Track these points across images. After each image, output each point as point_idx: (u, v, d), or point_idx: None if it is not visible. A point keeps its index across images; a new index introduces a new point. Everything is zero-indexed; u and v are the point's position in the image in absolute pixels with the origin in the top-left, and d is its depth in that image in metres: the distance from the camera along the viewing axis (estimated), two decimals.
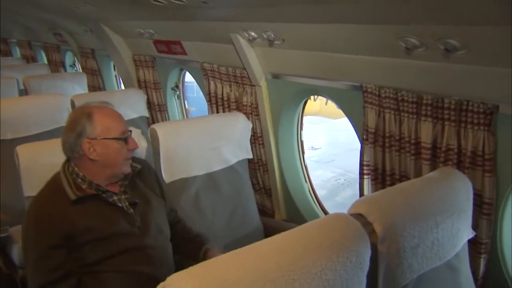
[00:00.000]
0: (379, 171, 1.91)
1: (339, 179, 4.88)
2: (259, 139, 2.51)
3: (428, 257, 1.31)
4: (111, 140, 1.57)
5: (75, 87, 4.02)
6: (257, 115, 2.47)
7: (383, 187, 1.92)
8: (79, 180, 1.57)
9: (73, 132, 1.55)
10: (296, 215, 2.55)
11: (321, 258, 1.01)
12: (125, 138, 1.60)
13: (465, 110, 1.55)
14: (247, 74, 2.40)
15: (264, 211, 2.67)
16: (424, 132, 1.69)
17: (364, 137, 1.93)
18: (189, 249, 1.83)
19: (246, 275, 0.92)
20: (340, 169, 5.18)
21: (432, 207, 1.33)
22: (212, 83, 2.73)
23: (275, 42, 2.05)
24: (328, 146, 6.28)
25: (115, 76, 4.39)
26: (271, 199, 2.65)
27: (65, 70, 5.27)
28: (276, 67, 2.28)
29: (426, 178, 1.49)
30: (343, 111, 2.10)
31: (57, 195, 1.55)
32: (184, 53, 2.86)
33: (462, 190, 1.45)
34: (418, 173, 1.76)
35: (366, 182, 2.00)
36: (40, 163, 1.88)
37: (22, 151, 1.86)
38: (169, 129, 2.17)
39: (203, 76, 2.78)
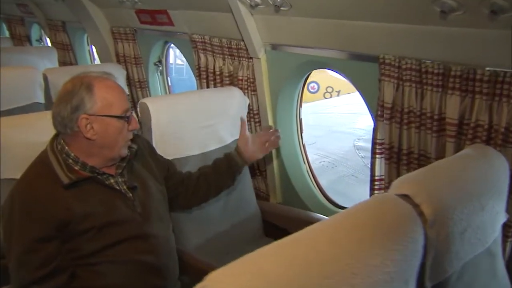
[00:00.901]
0: (395, 149, 1.77)
1: (323, 161, 4.77)
2: (256, 116, 2.33)
3: (472, 243, 1.17)
4: (112, 118, 1.37)
5: (45, 63, 3.68)
6: (254, 90, 2.28)
7: (399, 167, 1.79)
8: (70, 160, 1.36)
9: (68, 105, 1.34)
10: (293, 198, 2.40)
11: (379, 247, 0.86)
12: (127, 117, 1.40)
13: (501, 82, 1.41)
14: (245, 46, 2.20)
15: (258, 195, 2.50)
16: (450, 107, 1.54)
17: (379, 113, 1.77)
18: (221, 168, 1.83)
19: (300, 271, 0.75)
20: (322, 151, 5.07)
21: (477, 187, 1.19)
22: (202, 56, 2.51)
23: (282, 8, 1.85)
24: (308, 129, 6.15)
25: (88, 51, 4.07)
26: (265, 181, 2.48)
27: (31, 45, 4.88)
28: (277, 37, 2.09)
29: (461, 156, 1.35)
30: (353, 85, 1.94)
31: (46, 177, 1.34)
32: (171, 23, 2.63)
33: (501, 169, 1.32)
34: (441, 152, 1.62)
35: (378, 162, 1.85)
36: (17, 141, 1.63)
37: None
38: (161, 104, 1.95)
39: (192, 49, 2.56)
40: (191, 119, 2.03)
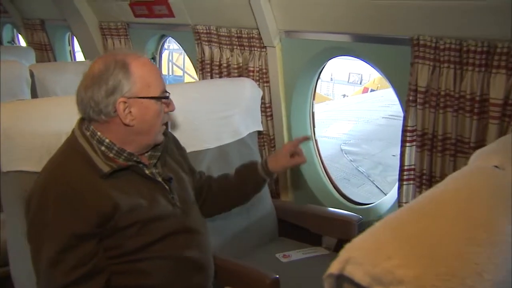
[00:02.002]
0: (428, 136, 1.69)
1: None
2: (268, 110, 2.21)
3: None
4: (151, 100, 1.23)
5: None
6: (267, 82, 2.16)
7: (432, 155, 1.71)
8: (103, 147, 1.20)
9: (102, 87, 1.18)
10: (306, 195, 2.28)
11: (506, 217, 0.75)
12: (166, 98, 1.27)
13: None
14: (258, 34, 2.09)
15: None
16: (495, 87, 1.48)
17: (411, 98, 1.69)
18: (244, 176, 1.60)
19: (450, 236, 0.63)
20: None
21: None
22: (206, 48, 2.38)
23: None
24: None
25: (70, 51, 3.85)
26: (275, 178, 2.36)
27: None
28: (294, 23, 1.99)
29: None
30: (379, 70, 1.85)
31: (82, 166, 1.17)
32: (171, 15, 2.48)
33: None
34: (481, 135, 1.56)
35: (409, 151, 1.77)
36: (20, 129, 1.44)
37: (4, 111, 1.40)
38: (175, 91, 1.79)
39: (195, 41, 2.42)
40: (205, 110, 1.90)
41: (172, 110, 1.32)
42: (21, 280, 1.47)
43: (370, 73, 14.35)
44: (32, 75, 2.54)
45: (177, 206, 1.31)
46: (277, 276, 1.47)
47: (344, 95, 15.01)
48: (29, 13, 3.77)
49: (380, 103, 8.26)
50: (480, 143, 1.57)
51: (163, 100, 1.27)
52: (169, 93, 1.30)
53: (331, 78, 15.83)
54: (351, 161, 4.74)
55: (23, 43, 4.27)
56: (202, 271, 1.32)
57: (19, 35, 4.39)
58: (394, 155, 4.85)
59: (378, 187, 4.03)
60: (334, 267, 0.58)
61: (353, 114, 7.28)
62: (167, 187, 1.30)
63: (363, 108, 8.04)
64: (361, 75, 15.30)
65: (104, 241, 1.16)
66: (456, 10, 1.49)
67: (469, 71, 1.53)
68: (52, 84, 2.56)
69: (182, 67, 9.88)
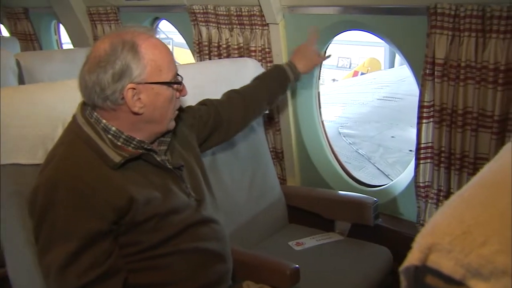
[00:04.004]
0: (447, 111, 1.59)
1: None
2: None
3: None
4: (162, 86, 1.11)
5: None
6: (270, 62, 2.05)
7: (451, 130, 1.61)
8: (110, 135, 1.09)
9: (109, 71, 1.05)
10: (314, 179, 2.18)
11: None
12: (179, 83, 1.16)
13: None
14: (259, 11, 1.97)
15: None
16: None
17: (427, 72, 1.59)
18: (272, 83, 1.73)
19: None
20: None
21: None
22: (203, 29, 2.25)
23: None
24: None
25: (56, 40, 3.68)
26: (281, 164, 2.26)
27: None
28: None
29: None
30: (391, 44, 1.75)
31: (91, 156, 1.06)
32: None
33: None
34: (506, 107, 1.47)
35: (425, 128, 1.67)
36: (14, 117, 1.30)
37: None
38: (185, 71, 1.68)
39: (191, 22, 2.29)
40: (208, 91, 1.78)
41: (185, 95, 1.21)
42: (19, 281, 1.36)
43: (359, 57, 14.24)
44: (18, 64, 2.38)
45: (192, 195, 1.21)
46: (297, 266, 1.38)
47: (334, 80, 14.93)
48: (11, 2, 3.59)
49: (372, 86, 8.17)
50: (505, 115, 1.48)
51: (175, 86, 1.15)
52: (181, 77, 1.18)
53: None
54: (350, 144, 4.65)
55: (5, 33, 4.08)
56: (222, 262, 1.24)
57: (1, 25, 4.20)
58: (393, 137, 4.78)
59: (379, 169, 3.94)
60: (414, 257, 0.47)
61: (347, 97, 7.18)
62: (178, 175, 1.20)
63: (355, 91, 7.96)
64: (350, 59, 15.20)
65: (120, 238, 1.06)
66: None
67: (492, 38, 1.43)
68: (40, 73, 2.41)
69: None
